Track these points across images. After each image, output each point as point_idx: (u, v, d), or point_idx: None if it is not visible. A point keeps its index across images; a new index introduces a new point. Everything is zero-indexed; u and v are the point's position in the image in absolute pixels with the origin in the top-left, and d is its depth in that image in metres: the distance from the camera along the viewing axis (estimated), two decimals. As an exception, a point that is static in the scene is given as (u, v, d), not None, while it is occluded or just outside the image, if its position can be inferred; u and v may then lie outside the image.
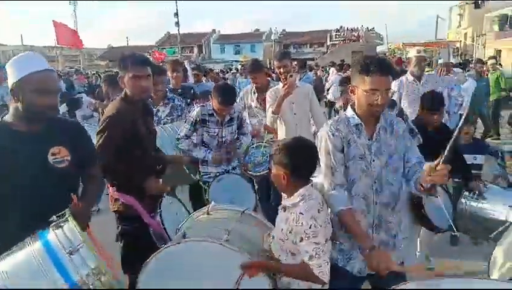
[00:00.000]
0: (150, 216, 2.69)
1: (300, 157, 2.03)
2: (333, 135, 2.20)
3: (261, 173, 4.10)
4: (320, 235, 1.92)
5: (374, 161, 2.19)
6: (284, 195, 2.14)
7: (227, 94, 3.75)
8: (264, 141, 4.22)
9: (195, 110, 3.90)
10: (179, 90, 5.12)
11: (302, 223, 1.91)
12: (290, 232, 1.95)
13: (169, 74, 5.19)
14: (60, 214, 1.77)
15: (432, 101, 3.57)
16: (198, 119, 3.84)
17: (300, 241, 1.91)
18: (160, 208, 2.70)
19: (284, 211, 2.06)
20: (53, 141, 2.09)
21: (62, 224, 1.72)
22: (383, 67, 2.09)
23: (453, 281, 1.48)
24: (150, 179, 2.88)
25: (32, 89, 1.97)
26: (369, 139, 2.20)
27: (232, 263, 1.95)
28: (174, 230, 2.49)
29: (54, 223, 1.73)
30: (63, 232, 1.68)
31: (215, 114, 3.85)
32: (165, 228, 2.60)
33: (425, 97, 3.71)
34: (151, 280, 2.02)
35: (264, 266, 2.00)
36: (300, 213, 1.93)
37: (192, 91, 5.64)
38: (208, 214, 2.40)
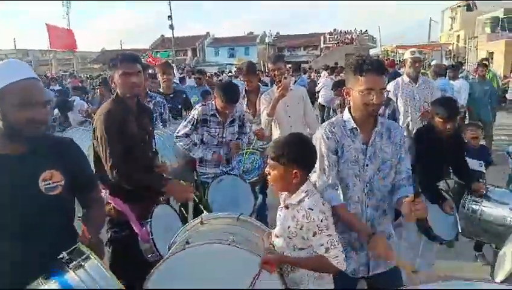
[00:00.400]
0: (140, 224, 2.61)
1: (308, 151, 2.04)
2: (328, 137, 2.21)
3: (251, 180, 4.05)
4: (331, 227, 1.96)
5: (367, 165, 2.20)
6: (283, 194, 2.13)
7: (231, 92, 3.71)
8: (253, 148, 4.18)
9: (197, 110, 3.83)
10: (171, 95, 4.94)
11: (313, 218, 1.91)
12: (300, 229, 1.95)
13: (159, 76, 5.03)
14: (71, 249, 1.52)
15: (447, 110, 3.34)
16: (199, 118, 3.78)
17: (313, 235, 1.92)
18: (151, 218, 2.59)
19: (287, 209, 2.06)
20: (43, 163, 1.78)
21: (82, 263, 1.48)
22: (377, 67, 2.10)
23: (452, 283, 1.46)
24: (174, 182, 2.81)
25: (14, 102, 1.66)
26: (364, 144, 2.20)
27: (243, 263, 1.90)
28: (165, 241, 2.38)
29: (74, 263, 1.47)
30: (86, 273, 1.46)
31: (217, 114, 3.79)
32: (153, 239, 2.50)
33: (438, 105, 3.44)
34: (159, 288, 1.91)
35: (282, 260, 1.99)
36: (310, 209, 1.93)
37: (184, 96, 5.39)
38: (201, 223, 2.29)
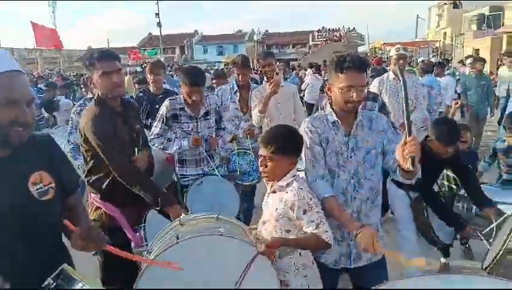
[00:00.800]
0: (133, 229, 2.53)
1: (300, 139, 2.17)
2: (310, 130, 2.24)
3: (252, 182, 3.98)
4: (319, 205, 2.06)
5: (351, 157, 2.22)
6: (269, 183, 2.21)
7: (194, 75, 3.49)
8: (243, 148, 4.12)
9: (164, 105, 3.56)
10: (160, 96, 4.73)
11: (303, 196, 2.02)
12: (290, 208, 2.03)
13: (148, 76, 4.89)
14: (57, 273, 1.32)
15: (449, 136, 3.14)
16: (168, 115, 3.52)
17: (304, 213, 2.01)
18: (144, 223, 2.51)
19: (275, 193, 2.15)
20: (30, 165, 1.54)
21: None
22: (357, 64, 2.11)
23: (435, 279, 1.46)
24: (176, 206, 2.65)
25: None
26: (346, 136, 2.23)
27: (238, 251, 1.93)
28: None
29: None
30: None
31: (186, 107, 3.54)
32: (147, 245, 2.38)
33: (439, 129, 3.20)
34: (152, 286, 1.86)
35: (282, 242, 2.02)
36: (300, 188, 2.05)
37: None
38: (181, 225, 2.21)
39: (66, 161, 1.81)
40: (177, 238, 1.92)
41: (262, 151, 2.13)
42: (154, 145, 3.49)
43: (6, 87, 1.39)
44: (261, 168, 2.16)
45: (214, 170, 3.67)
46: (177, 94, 5.01)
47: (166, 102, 3.58)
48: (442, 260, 3.94)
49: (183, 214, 2.35)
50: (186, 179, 3.64)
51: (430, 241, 3.42)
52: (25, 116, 1.43)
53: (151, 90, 4.83)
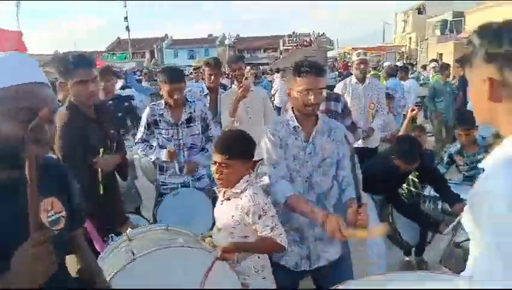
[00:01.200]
0: (102, 240, 2.47)
1: (254, 145, 2.22)
2: (272, 134, 2.31)
3: None
4: (273, 209, 2.12)
5: (307, 161, 2.30)
6: (221, 190, 2.24)
7: (174, 71, 3.50)
8: None
9: (146, 111, 3.55)
10: (110, 101, 4.59)
11: (258, 201, 2.07)
12: (246, 214, 2.07)
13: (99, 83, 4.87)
14: None
15: (411, 155, 3.20)
16: (150, 120, 3.47)
17: (259, 218, 2.06)
18: (113, 233, 2.42)
19: (229, 200, 2.18)
20: (41, 189, 1.24)
21: None
22: (314, 68, 2.21)
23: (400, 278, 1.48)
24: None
25: (5, 113, 1.19)
26: (305, 141, 2.30)
27: (202, 260, 1.94)
28: None
29: None
30: None
31: (165, 113, 3.44)
32: None
33: (401, 148, 3.26)
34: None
35: (237, 246, 2.06)
36: (255, 193, 2.09)
37: (127, 103, 4.89)
38: (129, 240, 2.11)
39: (77, 189, 1.59)
40: (133, 254, 1.83)
41: (217, 157, 2.12)
42: (138, 149, 3.55)
43: (28, 99, 1.22)
44: (216, 175, 2.15)
45: (198, 179, 3.60)
46: (129, 100, 5.02)
47: (147, 108, 3.55)
48: (405, 258, 4.09)
49: (129, 229, 2.29)
50: (165, 186, 3.54)
51: (396, 244, 3.53)
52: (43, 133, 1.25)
53: (101, 97, 4.79)
